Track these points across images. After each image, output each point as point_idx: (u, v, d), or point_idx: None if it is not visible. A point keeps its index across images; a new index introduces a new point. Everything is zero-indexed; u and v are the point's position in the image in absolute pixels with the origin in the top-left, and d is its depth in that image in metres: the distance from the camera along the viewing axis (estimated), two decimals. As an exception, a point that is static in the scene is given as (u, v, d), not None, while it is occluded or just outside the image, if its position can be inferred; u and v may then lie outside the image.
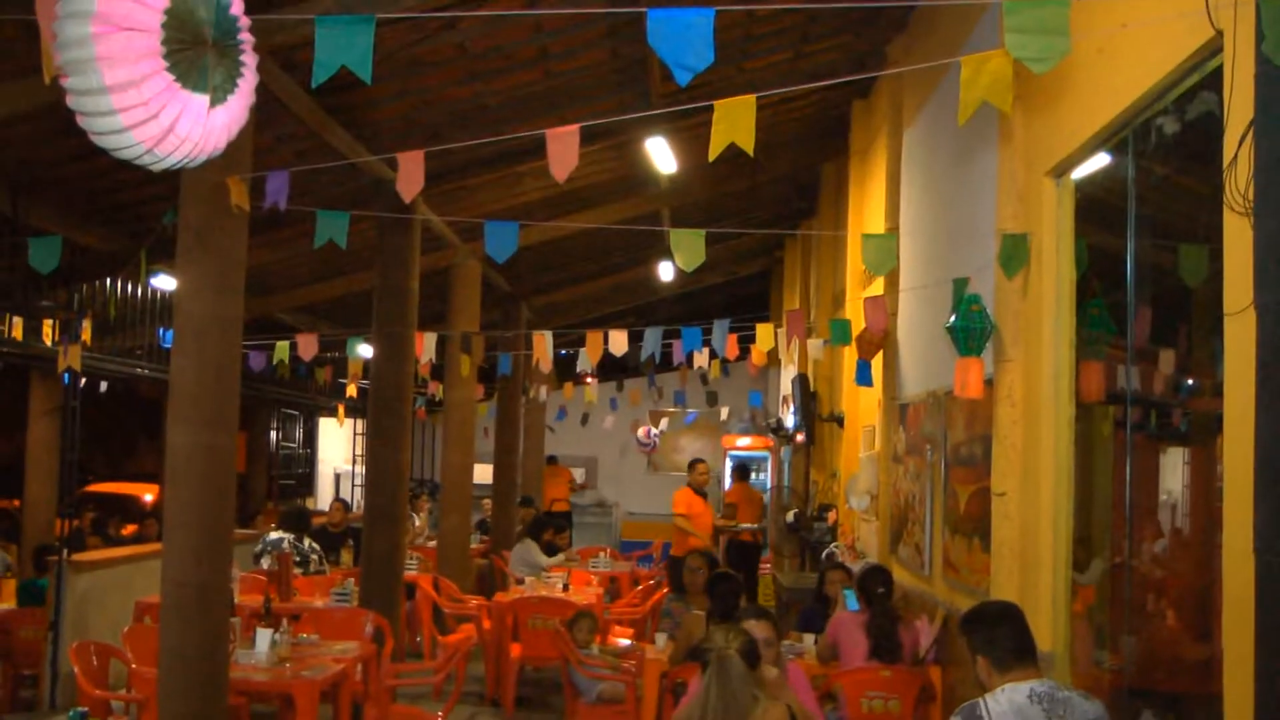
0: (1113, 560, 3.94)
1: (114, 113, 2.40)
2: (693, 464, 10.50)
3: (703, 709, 3.18)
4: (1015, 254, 4.34)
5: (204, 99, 2.51)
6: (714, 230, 5.15)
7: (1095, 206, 4.11)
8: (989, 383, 4.60)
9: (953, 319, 4.59)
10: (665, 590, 8.38)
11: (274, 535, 8.24)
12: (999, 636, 2.94)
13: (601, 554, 11.10)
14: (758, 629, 4.18)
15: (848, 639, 5.46)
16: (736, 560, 10.36)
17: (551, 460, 16.68)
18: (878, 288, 7.46)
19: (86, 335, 8.71)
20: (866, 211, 8.86)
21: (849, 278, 9.02)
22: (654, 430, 17.17)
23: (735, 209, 12.52)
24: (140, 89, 2.39)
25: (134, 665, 5.35)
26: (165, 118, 2.43)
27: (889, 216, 7.42)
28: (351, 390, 11.84)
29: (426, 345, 7.97)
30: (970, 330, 4.51)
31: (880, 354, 7.23)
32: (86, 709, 3.98)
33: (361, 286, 10.28)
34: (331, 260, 9.64)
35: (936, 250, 6.24)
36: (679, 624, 5.97)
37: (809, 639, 5.99)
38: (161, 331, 10.26)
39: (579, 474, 18.21)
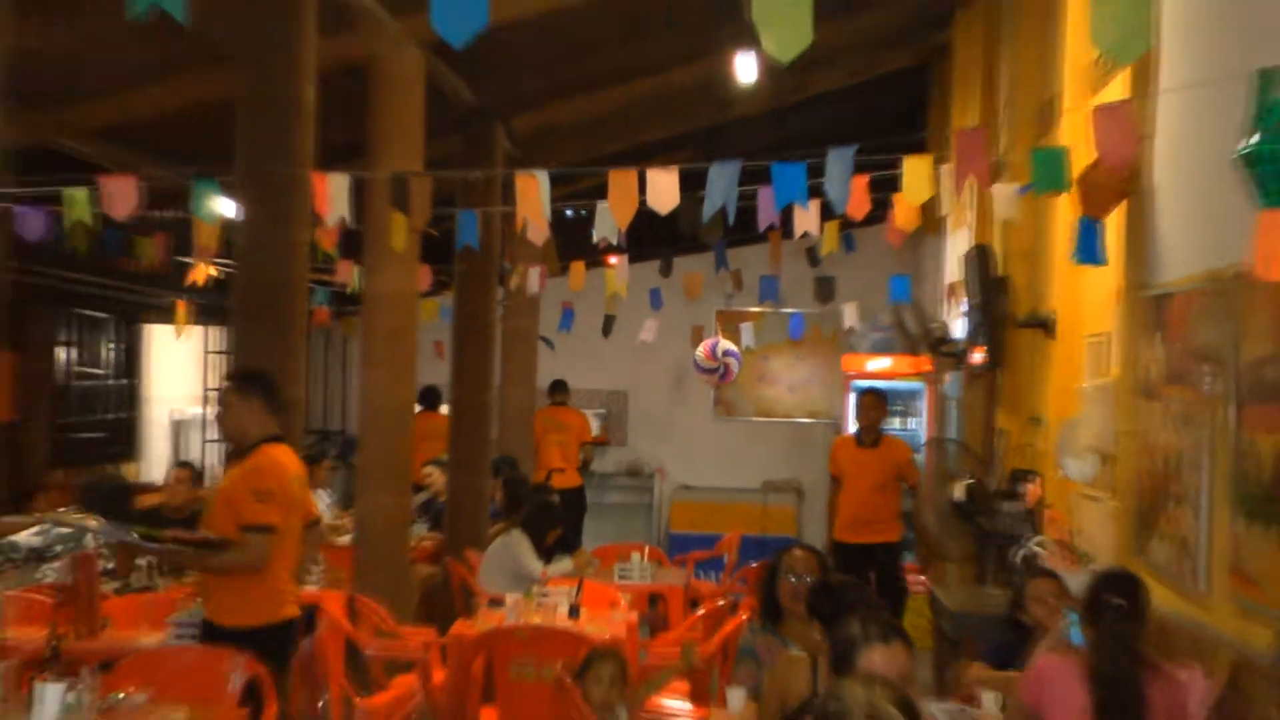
0: None
1: None
2: (863, 395, 11.88)
3: None
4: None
5: None
6: (829, -12, 5.01)
7: None
8: (1318, 254, 4.47)
9: (1253, 140, 4.43)
10: (745, 616, 8.40)
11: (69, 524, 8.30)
12: None
13: (635, 555, 11.16)
14: (884, 660, 4.17)
15: (1058, 697, 5.43)
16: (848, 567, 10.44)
17: (557, 394, 16.57)
18: (1118, 89, 7.33)
19: None
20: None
21: (1067, 73, 8.90)
22: (726, 346, 17.12)
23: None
24: None
25: None
26: None
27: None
28: (200, 275, 11.85)
29: (333, 196, 7.92)
30: (1286, 161, 4.38)
31: (1122, 207, 7.15)
32: None
33: (215, 94, 10.21)
34: (161, 46, 9.55)
35: (1228, 18, 6.07)
36: (767, 672, 5.99)
37: (990, 700, 6.01)
38: None
39: (594, 422, 18.25)
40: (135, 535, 6.76)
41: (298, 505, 6.86)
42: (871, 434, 11.61)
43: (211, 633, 6.70)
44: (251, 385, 6.98)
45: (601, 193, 7.43)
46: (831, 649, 4.46)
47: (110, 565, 8.15)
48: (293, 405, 8.02)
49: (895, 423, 15.63)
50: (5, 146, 4.76)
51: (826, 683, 5.04)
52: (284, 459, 6.84)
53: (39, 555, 8.24)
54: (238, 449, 6.94)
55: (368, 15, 9.60)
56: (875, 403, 11.77)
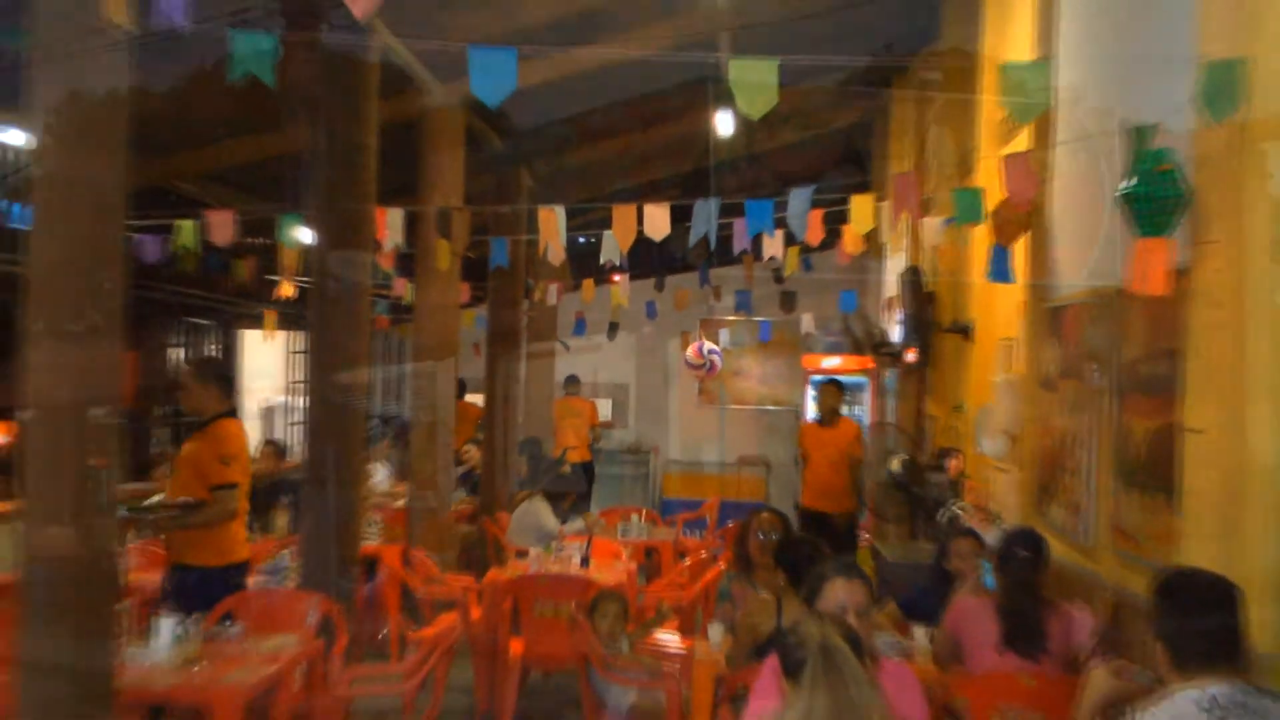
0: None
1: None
2: (823, 385, 11.67)
3: None
4: (1224, 90, 4.18)
5: None
6: (790, 59, 5.01)
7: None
8: (1180, 274, 4.49)
9: (1130, 183, 4.46)
10: (722, 566, 8.42)
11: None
12: (1195, 626, 2.87)
13: (634, 516, 11.17)
14: (844, 591, 4.18)
15: (974, 631, 5.46)
16: (814, 529, 10.43)
17: (571, 386, 16.45)
18: (1022, 142, 7.33)
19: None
20: (1010, 32, 8.66)
21: (982, 129, 8.87)
22: (710, 346, 17.11)
23: (821, 33, 12.24)
24: None
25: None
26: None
27: (1040, 39, 7.25)
28: (285, 290, 11.84)
29: (390, 226, 7.93)
30: (1155, 200, 4.39)
31: (1025, 237, 7.14)
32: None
33: (297, 144, 10.20)
34: (254, 105, 9.53)
35: (1108, 86, 6.08)
36: (740, 611, 5.99)
37: (920, 633, 6.02)
38: (6, 205, 10.26)
39: (604, 408, 18.23)
40: (126, 511, 6.70)
41: (249, 468, 6.82)
42: (832, 416, 11.45)
43: (182, 572, 6.57)
44: (206, 370, 6.97)
45: (607, 223, 7.42)
46: (805, 583, 4.47)
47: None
48: (358, 394, 8.02)
49: (843, 409, 15.62)
50: (127, 188, 4.74)
51: (789, 620, 5.07)
52: (238, 430, 6.78)
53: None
54: (199, 422, 6.83)
55: (419, 81, 9.60)
56: (833, 390, 11.63)
